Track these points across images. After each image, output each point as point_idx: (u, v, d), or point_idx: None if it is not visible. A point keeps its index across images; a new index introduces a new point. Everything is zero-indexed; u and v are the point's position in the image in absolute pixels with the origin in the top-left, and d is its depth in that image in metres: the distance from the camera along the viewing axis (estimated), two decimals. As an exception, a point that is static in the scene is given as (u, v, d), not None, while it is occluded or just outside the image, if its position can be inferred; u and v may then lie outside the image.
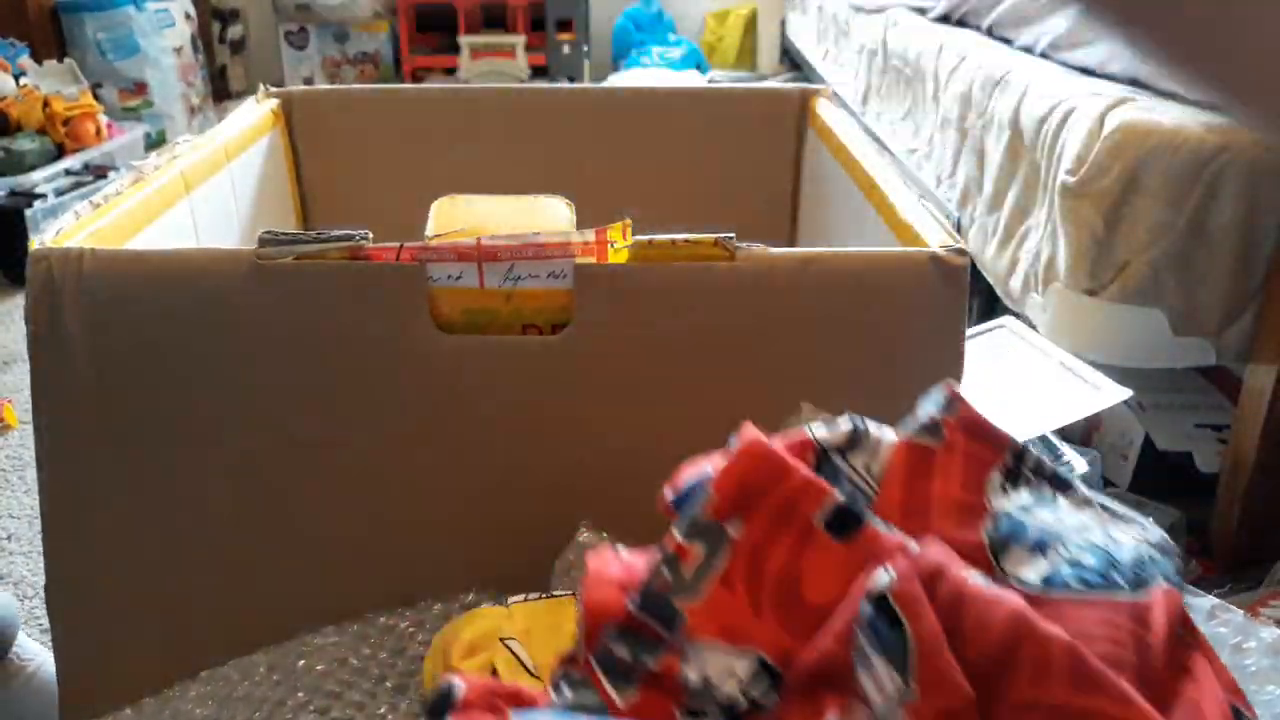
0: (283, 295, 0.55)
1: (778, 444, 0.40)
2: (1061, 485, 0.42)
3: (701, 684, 0.36)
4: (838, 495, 0.38)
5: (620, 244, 0.55)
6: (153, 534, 0.57)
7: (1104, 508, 0.40)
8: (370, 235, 0.55)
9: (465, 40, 3.08)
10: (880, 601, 0.33)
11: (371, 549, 0.59)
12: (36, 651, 0.79)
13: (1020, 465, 0.42)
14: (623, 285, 0.55)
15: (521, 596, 0.52)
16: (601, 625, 0.37)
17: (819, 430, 0.42)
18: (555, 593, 0.52)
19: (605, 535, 0.56)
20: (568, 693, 0.37)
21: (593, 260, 0.55)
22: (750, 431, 0.39)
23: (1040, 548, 0.38)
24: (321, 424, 0.56)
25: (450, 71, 3.15)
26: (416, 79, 3.18)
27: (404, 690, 0.55)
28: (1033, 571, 0.37)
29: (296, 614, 0.59)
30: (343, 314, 0.55)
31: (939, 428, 0.42)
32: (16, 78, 2.20)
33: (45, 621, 0.59)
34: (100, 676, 0.58)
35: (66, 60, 2.34)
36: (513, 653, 0.48)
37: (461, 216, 0.66)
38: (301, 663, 0.56)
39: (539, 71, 3.10)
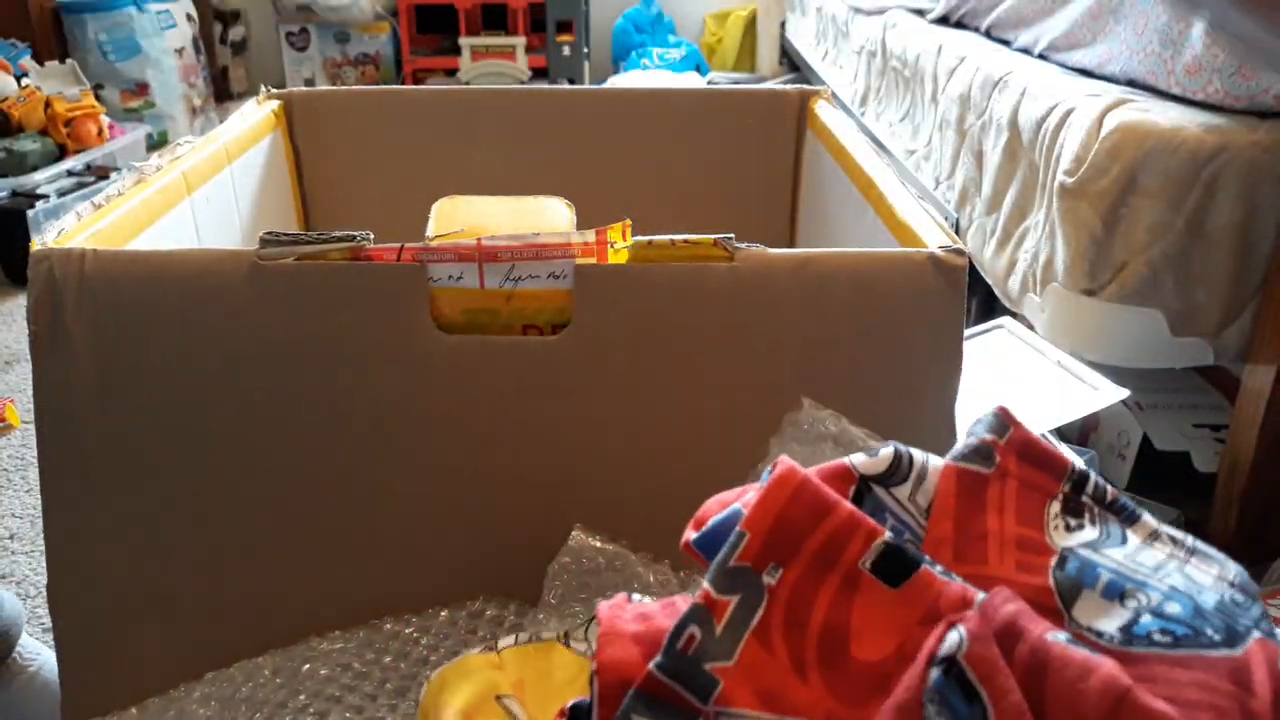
0: (283, 296, 0.55)
1: (814, 475, 0.36)
2: (1128, 517, 0.38)
3: None
4: (887, 534, 0.34)
5: (620, 244, 0.55)
6: (154, 534, 0.57)
7: (1173, 539, 0.37)
8: (371, 236, 0.55)
9: (466, 41, 3.09)
10: (951, 667, 0.29)
11: (371, 547, 0.59)
12: (39, 651, 0.79)
13: (1081, 494, 0.38)
14: (623, 285, 0.55)
15: (512, 639, 0.51)
16: (619, 689, 0.33)
17: (858, 459, 0.38)
18: (543, 635, 0.51)
19: (598, 538, 0.57)
20: None
21: (593, 260, 0.55)
22: (786, 462, 0.35)
23: (1116, 593, 0.34)
24: (322, 424, 0.57)
25: (451, 73, 3.15)
26: (417, 80, 3.18)
27: (404, 693, 0.55)
28: (1110, 622, 0.33)
29: (297, 611, 0.59)
30: (343, 314, 0.55)
31: (990, 451, 0.38)
32: (18, 78, 2.20)
33: (48, 621, 0.59)
34: (101, 676, 0.58)
35: (68, 61, 2.34)
36: (510, 713, 0.47)
37: (462, 217, 0.66)
38: (306, 666, 0.57)
39: (539, 73, 3.11)
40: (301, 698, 0.55)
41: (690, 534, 0.37)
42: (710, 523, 0.36)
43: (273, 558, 0.58)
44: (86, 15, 2.69)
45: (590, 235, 0.55)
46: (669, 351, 0.56)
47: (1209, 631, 0.32)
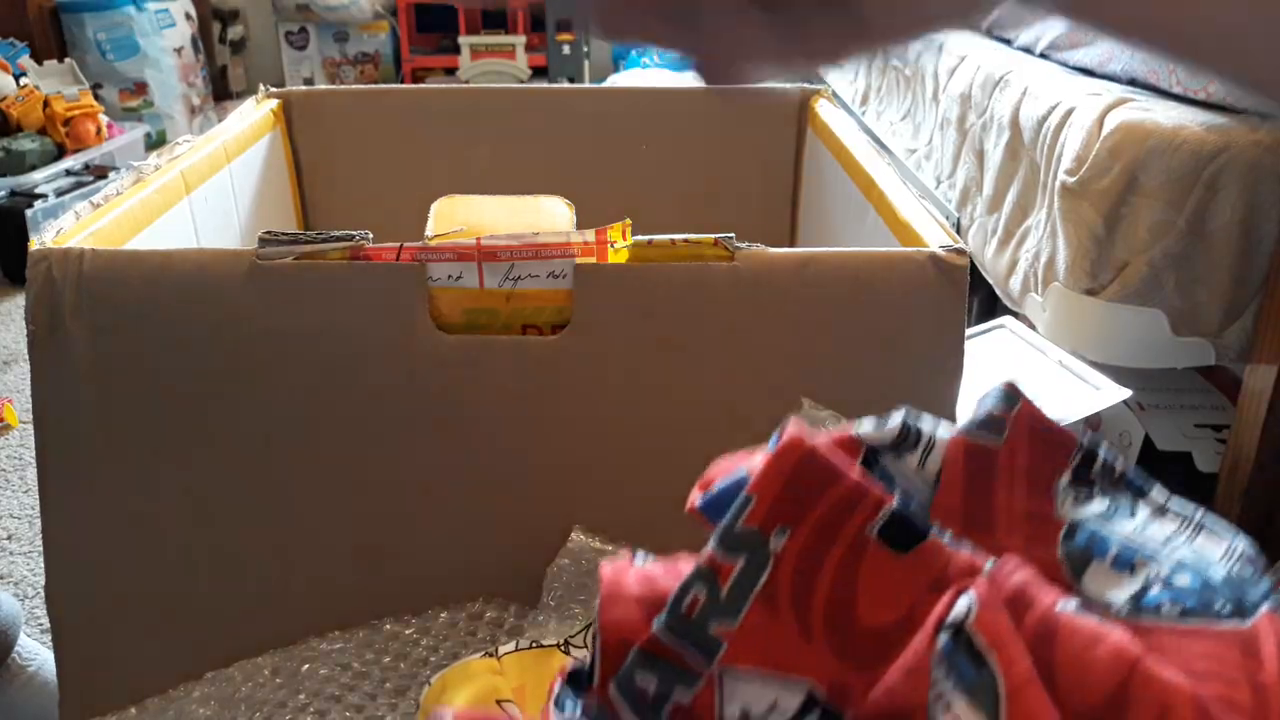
0: (283, 295, 0.55)
1: (823, 442, 0.36)
2: (1137, 490, 0.37)
3: None
4: (895, 502, 0.34)
5: (620, 244, 0.55)
6: (152, 533, 0.57)
7: (1182, 514, 0.36)
8: (370, 235, 0.55)
9: (465, 40, 3.08)
10: (960, 633, 0.29)
11: (370, 547, 0.59)
12: (37, 651, 0.79)
13: (1090, 468, 0.37)
14: (623, 285, 0.55)
15: (512, 645, 0.51)
16: (621, 649, 0.33)
17: (866, 428, 0.38)
18: (544, 642, 0.51)
19: (598, 539, 0.57)
20: None
21: (593, 260, 0.55)
22: (794, 428, 0.35)
23: (1125, 565, 0.34)
24: (321, 424, 0.57)
25: (450, 71, 3.15)
26: (417, 79, 3.18)
27: (404, 692, 0.55)
28: (1119, 593, 0.33)
29: (296, 611, 0.59)
30: (343, 314, 0.55)
31: (1000, 425, 0.37)
32: (17, 78, 2.20)
33: (46, 621, 0.59)
34: (100, 676, 0.58)
35: (67, 60, 2.34)
36: (511, 718, 0.47)
37: (461, 216, 0.66)
38: (305, 666, 0.56)
39: (539, 71, 3.10)
40: (301, 697, 0.55)
41: (696, 498, 0.37)
42: (716, 487, 0.36)
43: (272, 558, 0.58)
44: (85, 14, 2.69)
45: (590, 235, 0.55)
46: (669, 351, 0.56)
47: (1218, 604, 0.32)
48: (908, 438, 0.38)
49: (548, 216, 0.68)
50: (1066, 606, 0.30)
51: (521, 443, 0.57)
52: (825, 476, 0.34)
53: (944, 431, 0.38)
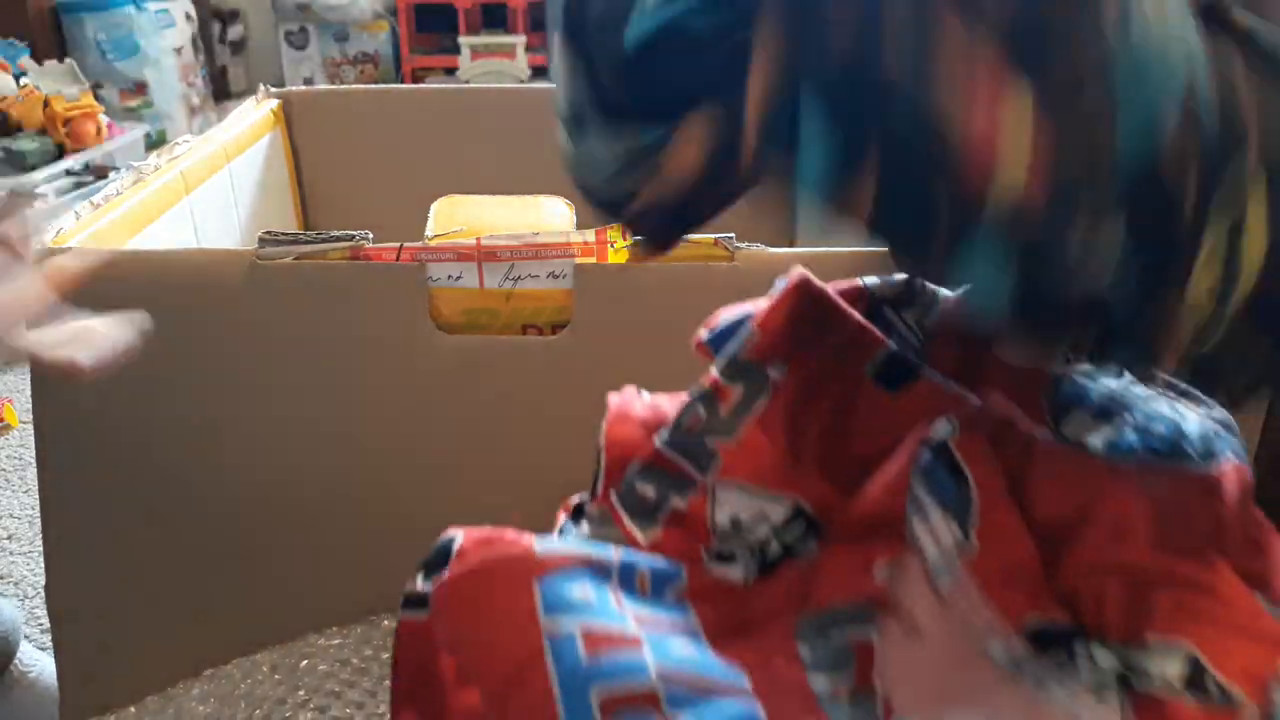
0: (283, 295, 0.55)
1: (830, 288, 0.37)
2: None
3: (730, 526, 0.34)
4: (891, 345, 0.35)
5: (620, 244, 0.55)
6: (152, 533, 0.57)
7: (1168, 381, 0.38)
8: (370, 235, 0.55)
9: (465, 40, 3.08)
10: (941, 450, 0.31)
11: (369, 545, 0.59)
12: (37, 658, 0.79)
13: None
14: (623, 285, 0.55)
15: None
16: (624, 465, 0.35)
17: (872, 280, 0.39)
18: None
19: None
20: (584, 528, 0.35)
21: (593, 260, 0.55)
22: (800, 271, 0.37)
23: (1105, 414, 0.35)
24: (321, 423, 0.57)
25: (450, 71, 3.15)
26: (417, 79, 3.18)
27: (404, 689, 0.55)
28: (1097, 437, 0.35)
29: (295, 611, 0.59)
30: (343, 314, 0.55)
31: None
32: (17, 78, 2.20)
33: (46, 621, 0.59)
34: (100, 675, 0.58)
35: (67, 60, 2.34)
36: None
37: (461, 217, 0.66)
38: (304, 663, 0.56)
39: (539, 71, 3.10)
40: (301, 693, 0.55)
41: (703, 333, 0.39)
42: (722, 322, 0.38)
43: (271, 555, 0.58)
44: (85, 14, 2.69)
45: (590, 235, 0.55)
46: (669, 351, 0.56)
47: (1188, 450, 0.34)
48: (911, 291, 0.39)
49: (548, 216, 0.68)
50: (1044, 434, 0.32)
51: (521, 442, 0.57)
52: (828, 317, 0.36)
53: (946, 291, 0.40)
